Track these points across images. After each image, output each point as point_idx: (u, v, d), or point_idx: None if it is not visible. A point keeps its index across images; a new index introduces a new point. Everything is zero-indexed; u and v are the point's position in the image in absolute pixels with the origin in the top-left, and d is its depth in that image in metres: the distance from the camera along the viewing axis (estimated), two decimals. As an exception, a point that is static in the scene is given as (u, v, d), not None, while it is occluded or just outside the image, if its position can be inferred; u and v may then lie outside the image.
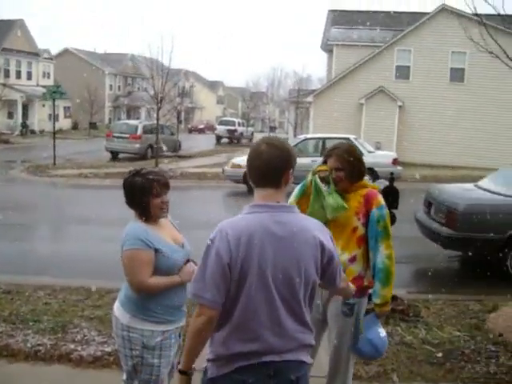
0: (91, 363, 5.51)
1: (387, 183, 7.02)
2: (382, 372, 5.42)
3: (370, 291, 4.15)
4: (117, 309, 3.75)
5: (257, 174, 2.80)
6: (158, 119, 23.26)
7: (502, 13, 6.93)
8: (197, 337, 2.69)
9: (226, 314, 2.70)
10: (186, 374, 2.77)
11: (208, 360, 2.79)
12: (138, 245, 3.54)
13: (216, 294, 2.64)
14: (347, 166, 4.02)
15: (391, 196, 6.84)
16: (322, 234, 2.84)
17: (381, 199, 4.05)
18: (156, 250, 3.56)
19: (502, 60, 6.84)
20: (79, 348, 5.79)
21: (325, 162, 4.13)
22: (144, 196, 3.62)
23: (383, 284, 4.02)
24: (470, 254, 9.66)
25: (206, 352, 2.80)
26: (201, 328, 2.67)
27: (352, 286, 3.38)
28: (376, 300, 4.07)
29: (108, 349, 5.75)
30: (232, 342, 2.70)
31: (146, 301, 3.60)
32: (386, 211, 4.04)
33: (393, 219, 6.96)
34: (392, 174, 7.05)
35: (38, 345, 5.82)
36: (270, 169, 2.75)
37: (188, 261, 3.75)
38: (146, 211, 3.66)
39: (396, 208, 6.93)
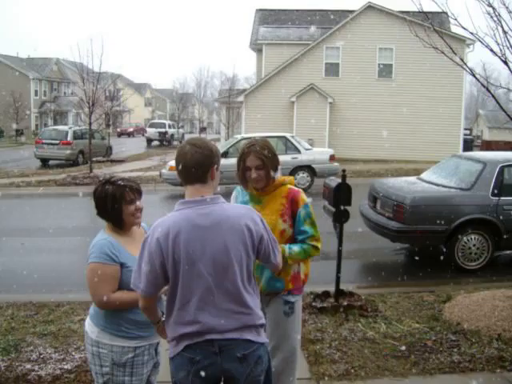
0: (51, 383, 5.24)
1: (339, 180, 7.02)
2: (351, 369, 5.42)
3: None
4: (87, 323, 3.62)
5: (184, 172, 3.08)
6: (90, 124, 22.73)
7: (425, 10, 7.07)
8: (144, 312, 3.22)
9: (171, 301, 3.03)
10: (158, 323, 3.29)
11: (168, 341, 3.12)
12: (102, 258, 3.41)
13: (148, 286, 3.01)
14: (268, 162, 3.87)
15: (344, 193, 6.85)
16: (249, 218, 3.05)
17: (304, 196, 3.97)
18: (121, 265, 3.44)
19: (446, 55, 6.94)
20: (36, 367, 5.51)
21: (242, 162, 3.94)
22: (116, 203, 3.49)
23: (300, 254, 3.94)
24: (419, 246, 9.84)
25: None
26: (142, 308, 3.17)
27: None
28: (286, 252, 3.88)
29: (67, 366, 5.52)
30: (177, 326, 3.01)
31: (116, 315, 3.46)
32: (310, 207, 3.97)
33: (346, 216, 7.01)
34: (344, 170, 7.05)
35: (-9, 367, 5.52)
36: (195, 166, 3.02)
37: None
38: (119, 220, 3.53)
39: (349, 204, 6.94)
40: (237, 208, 3.24)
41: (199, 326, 2.95)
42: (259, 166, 3.86)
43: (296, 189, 3.98)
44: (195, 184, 3.05)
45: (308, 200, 3.98)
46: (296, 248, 3.93)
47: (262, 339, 3.11)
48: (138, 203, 3.56)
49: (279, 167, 3.99)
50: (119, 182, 3.56)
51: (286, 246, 3.90)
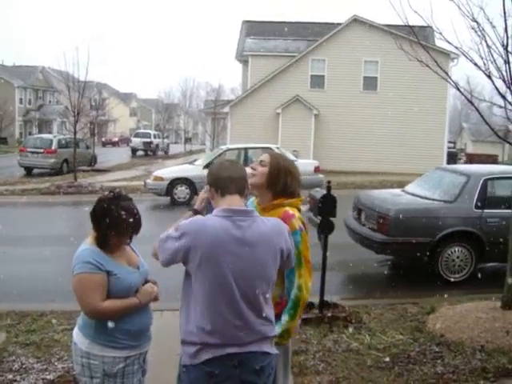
0: (33, 394, 5.17)
1: (324, 192, 7.06)
2: (335, 381, 5.43)
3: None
4: (75, 334, 3.55)
5: (228, 181, 3.18)
6: (75, 133, 22.65)
7: (410, 24, 7.15)
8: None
9: (193, 306, 3.01)
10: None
11: (182, 342, 3.09)
12: (87, 268, 3.36)
13: (167, 258, 3.07)
14: (274, 171, 3.66)
15: (329, 204, 6.88)
16: (282, 235, 3.15)
17: (294, 223, 3.53)
18: (108, 273, 3.39)
19: (431, 68, 7.02)
20: (18, 378, 5.43)
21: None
22: (108, 229, 3.42)
23: (291, 317, 3.55)
24: (403, 257, 9.88)
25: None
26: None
27: None
28: (278, 330, 3.44)
29: (50, 376, 5.44)
30: (198, 331, 2.97)
31: (105, 326, 3.41)
32: (300, 236, 3.54)
33: (331, 227, 7.04)
34: (329, 182, 7.08)
35: (-28, 377, 5.44)
36: (240, 177, 3.20)
37: (146, 281, 3.61)
38: (106, 242, 3.46)
39: (334, 216, 6.97)
40: (272, 223, 3.19)
41: (221, 338, 2.96)
42: (264, 163, 3.71)
43: (291, 212, 3.58)
44: (234, 195, 3.15)
45: (299, 226, 3.56)
46: (284, 319, 3.57)
47: (275, 350, 3.18)
48: (127, 241, 3.57)
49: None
50: (123, 211, 3.45)
51: (276, 327, 3.44)
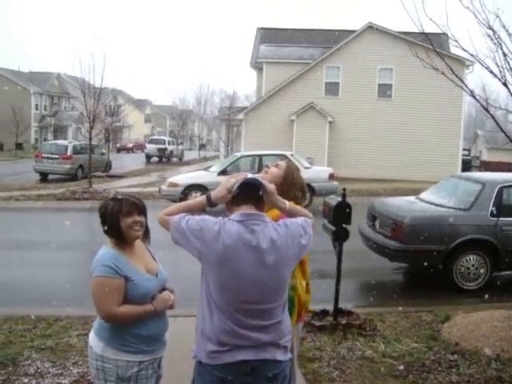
0: (49, 397, 5.22)
1: (339, 199, 7.04)
2: (349, 388, 5.41)
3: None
4: (91, 338, 3.59)
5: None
6: (90, 139, 22.76)
7: (425, 31, 7.12)
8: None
9: (206, 310, 3.04)
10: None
11: (197, 343, 3.11)
12: (106, 272, 3.40)
13: (179, 238, 3.10)
14: (288, 177, 3.92)
15: (344, 211, 6.87)
16: (294, 240, 3.10)
17: None
18: (126, 278, 3.43)
19: (446, 76, 6.99)
20: (33, 382, 5.49)
21: None
22: (113, 216, 3.51)
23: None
24: (417, 265, 9.84)
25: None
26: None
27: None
28: None
29: (65, 381, 5.49)
30: (216, 332, 2.99)
31: (121, 330, 3.45)
32: None
33: (345, 235, 7.02)
34: (344, 189, 7.07)
35: (-12, 380, 5.50)
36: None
37: (164, 289, 3.63)
38: (119, 233, 3.53)
39: (349, 223, 6.96)
40: (284, 231, 3.12)
41: (234, 345, 2.97)
42: (279, 167, 3.92)
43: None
44: (250, 205, 3.15)
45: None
46: None
47: (288, 356, 3.17)
48: (136, 217, 3.57)
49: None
50: (119, 197, 3.60)
51: None
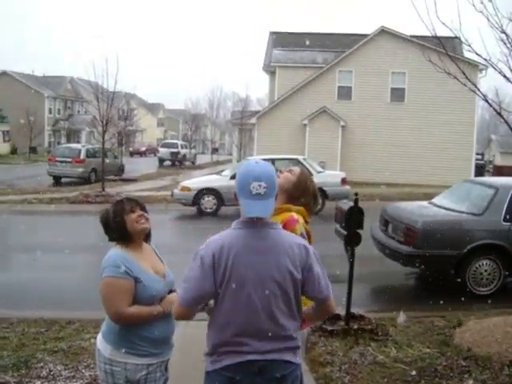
0: (61, 400, 5.24)
1: (351, 204, 7.04)
2: (361, 393, 5.40)
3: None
4: (99, 341, 3.60)
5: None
6: (103, 142, 22.87)
7: (438, 35, 7.09)
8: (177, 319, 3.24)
9: (215, 316, 3.04)
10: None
11: (204, 354, 3.12)
12: (116, 272, 3.41)
13: (189, 298, 2.99)
14: (300, 182, 3.94)
15: (356, 216, 6.86)
16: (302, 247, 3.07)
17: (297, 227, 3.67)
18: (136, 279, 3.45)
19: (459, 80, 6.98)
20: (46, 384, 5.52)
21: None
22: (117, 217, 3.56)
23: None
24: (430, 270, 9.79)
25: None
26: (176, 317, 3.19)
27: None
28: None
29: (77, 383, 5.52)
30: (218, 342, 3.01)
31: (129, 332, 3.46)
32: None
33: (358, 239, 7.01)
34: (356, 194, 7.06)
35: (1, 383, 5.50)
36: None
37: (171, 291, 3.64)
38: (125, 232, 3.56)
39: (361, 228, 6.94)
40: (290, 236, 3.19)
41: (241, 347, 2.97)
42: (292, 173, 3.94)
43: (296, 217, 3.74)
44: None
45: (301, 232, 3.66)
46: None
47: (299, 360, 3.16)
48: (140, 211, 3.62)
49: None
50: (118, 199, 3.70)
51: None
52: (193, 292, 2.98)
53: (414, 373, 5.86)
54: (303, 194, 3.90)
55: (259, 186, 2.97)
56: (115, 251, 3.55)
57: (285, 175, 3.93)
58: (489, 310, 8.12)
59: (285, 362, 3.03)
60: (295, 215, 3.73)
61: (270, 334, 2.99)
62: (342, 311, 7.18)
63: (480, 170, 35.46)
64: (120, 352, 3.45)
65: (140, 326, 3.46)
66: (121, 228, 3.55)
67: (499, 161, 60.36)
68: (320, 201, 4.08)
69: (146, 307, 3.46)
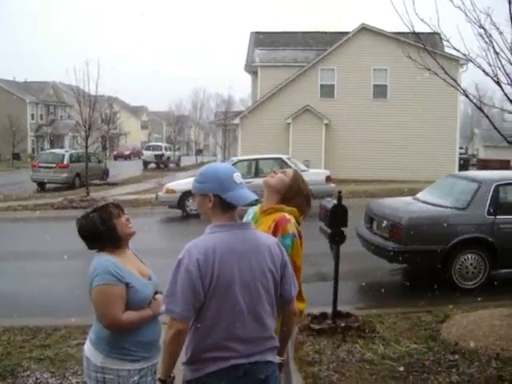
0: (48, 407, 5.21)
1: (335, 202, 7.04)
2: (349, 391, 5.40)
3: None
4: (88, 350, 3.55)
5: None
6: (87, 147, 22.77)
7: (419, 31, 7.12)
8: (169, 348, 2.95)
9: (196, 322, 2.97)
10: (165, 382, 3.01)
11: (183, 363, 3.04)
12: (108, 280, 3.38)
13: (185, 308, 2.90)
14: (295, 183, 3.94)
15: (340, 214, 6.86)
16: (276, 245, 3.16)
17: (289, 227, 3.67)
18: (127, 285, 3.42)
19: (439, 76, 7.00)
20: (32, 393, 5.49)
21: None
22: (106, 223, 3.53)
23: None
24: (416, 266, 9.83)
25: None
26: (171, 340, 2.92)
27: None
28: None
29: (64, 391, 5.50)
30: (201, 348, 2.97)
31: (120, 339, 3.43)
32: (291, 241, 3.66)
33: (342, 237, 7.01)
34: (340, 192, 7.07)
35: (-13, 393, 5.49)
36: None
37: (156, 293, 3.63)
38: (115, 236, 3.54)
39: (345, 226, 6.95)
40: (265, 235, 3.26)
41: (226, 352, 2.95)
42: (286, 174, 3.96)
43: (288, 217, 3.73)
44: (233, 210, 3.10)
45: (292, 232, 3.68)
46: None
47: (278, 359, 3.19)
48: (125, 215, 3.63)
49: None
50: (99, 204, 3.64)
51: None
52: (185, 302, 2.91)
53: (401, 369, 5.88)
54: (296, 195, 3.92)
55: (237, 176, 3.09)
56: (103, 258, 3.50)
57: (278, 176, 3.95)
58: (475, 304, 8.16)
59: (267, 363, 3.06)
60: (287, 215, 3.74)
61: (253, 336, 3.00)
62: (329, 309, 7.20)
63: (464, 164, 35.67)
64: (112, 359, 3.42)
65: (130, 332, 3.45)
66: (112, 233, 3.53)
67: (482, 154, 60.78)
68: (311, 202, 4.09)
69: (137, 312, 3.45)
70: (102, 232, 3.53)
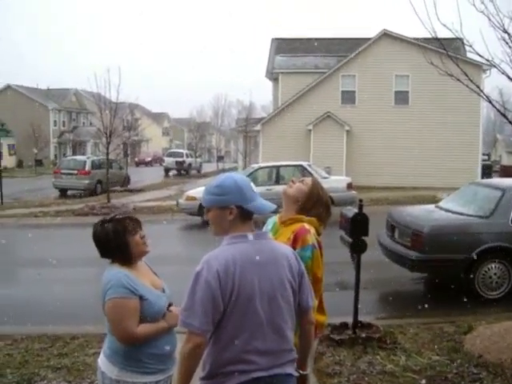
0: (64, 417, 5.17)
1: (355, 210, 6.94)
2: (369, 404, 5.29)
3: None
4: (102, 363, 3.47)
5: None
6: (107, 154, 22.87)
7: (440, 36, 6.99)
8: (186, 362, 2.85)
9: (215, 335, 2.89)
10: None
11: (200, 378, 2.96)
12: (122, 293, 3.30)
13: (204, 321, 2.81)
14: (312, 191, 3.87)
15: (361, 223, 6.76)
16: (293, 256, 3.09)
17: (308, 238, 3.60)
18: (140, 297, 3.35)
19: (462, 82, 6.88)
20: (49, 401, 5.46)
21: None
22: (120, 238, 3.44)
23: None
24: (438, 275, 9.67)
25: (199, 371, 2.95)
26: (189, 354, 2.83)
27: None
28: None
29: (80, 400, 5.45)
30: (221, 362, 2.88)
31: (135, 351, 3.36)
32: (311, 252, 3.59)
33: (363, 246, 6.90)
34: (361, 200, 6.97)
35: (4, 402, 5.45)
36: None
37: (170, 305, 3.56)
38: (127, 253, 3.45)
39: (366, 235, 6.84)
40: (282, 245, 3.19)
41: (246, 365, 2.88)
42: (304, 183, 3.88)
43: (307, 227, 3.65)
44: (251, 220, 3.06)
45: (312, 242, 3.61)
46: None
47: (296, 372, 3.12)
48: (141, 232, 3.52)
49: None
50: (117, 217, 3.53)
51: None
52: (204, 315, 2.82)
53: (423, 382, 5.75)
54: (315, 204, 3.83)
55: (252, 185, 3.07)
56: (117, 270, 3.43)
57: (297, 186, 3.87)
58: (499, 314, 8.00)
59: (287, 375, 2.99)
60: (306, 225, 3.66)
61: (274, 348, 2.93)
62: (349, 319, 7.09)
63: (487, 171, 35.26)
64: (127, 372, 3.36)
65: (145, 344, 3.38)
66: (123, 250, 3.45)
67: (506, 160, 60.13)
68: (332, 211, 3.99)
69: (152, 324, 3.38)
70: (112, 245, 3.46)
